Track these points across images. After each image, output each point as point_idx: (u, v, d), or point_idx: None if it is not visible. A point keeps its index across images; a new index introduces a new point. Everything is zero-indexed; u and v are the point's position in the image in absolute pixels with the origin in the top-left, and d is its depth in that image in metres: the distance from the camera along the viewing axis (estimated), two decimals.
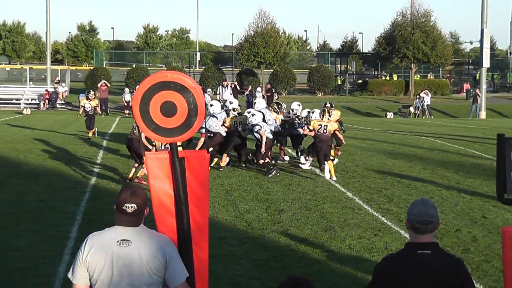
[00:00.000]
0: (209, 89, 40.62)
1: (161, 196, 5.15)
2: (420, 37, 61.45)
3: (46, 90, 51.64)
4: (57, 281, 9.61)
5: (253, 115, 19.06)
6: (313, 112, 19.73)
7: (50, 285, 9.46)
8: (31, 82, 56.10)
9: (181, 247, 5.10)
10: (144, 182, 16.43)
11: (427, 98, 51.65)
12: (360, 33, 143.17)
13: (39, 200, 15.16)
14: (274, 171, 18.39)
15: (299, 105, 21.85)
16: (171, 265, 4.94)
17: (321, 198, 15.67)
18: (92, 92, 29.96)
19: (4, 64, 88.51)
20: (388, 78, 70.23)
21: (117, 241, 4.89)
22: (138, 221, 4.97)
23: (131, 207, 4.90)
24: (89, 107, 27.89)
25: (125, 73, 62.09)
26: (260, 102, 20.83)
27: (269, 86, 49.71)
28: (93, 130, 27.48)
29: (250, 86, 50.22)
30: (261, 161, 18.54)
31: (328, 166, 17.99)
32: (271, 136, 18.89)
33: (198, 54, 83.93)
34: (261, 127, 18.60)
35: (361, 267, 10.37)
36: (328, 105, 21.73)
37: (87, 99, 28.63)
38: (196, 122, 5.12)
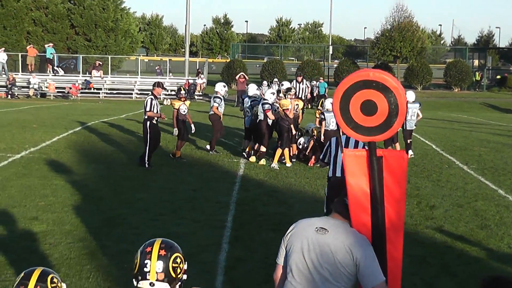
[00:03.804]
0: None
1: (357, 193, 5.18)
2: None
3: (187, 80, 52.60)
4: (219, 269, 9.85)
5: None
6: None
7: (214, 272, 9.68)
8: (170, 74, 57.32)
9: (375, 245, 5.14)
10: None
11: None
12: (497, 27, 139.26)
13: (192, 189, 15.54)
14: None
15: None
16: (365, 264, 4.98)
17: (472, 195, 15.40)
18: (183, 92, 20.46)
19: (143, 56, 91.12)
20: None
21: (316, 228, 5.08)
22: (347, 216, 5.18)
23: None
24: (185, 109, 20.05)
25: (258, 65, 62.49)
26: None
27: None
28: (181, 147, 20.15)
29: None
30: None
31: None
32: None
33: (330, 48, 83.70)
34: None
35: None
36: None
37: (180, 100, 20.19)
38: (396, 122, 5.04)
